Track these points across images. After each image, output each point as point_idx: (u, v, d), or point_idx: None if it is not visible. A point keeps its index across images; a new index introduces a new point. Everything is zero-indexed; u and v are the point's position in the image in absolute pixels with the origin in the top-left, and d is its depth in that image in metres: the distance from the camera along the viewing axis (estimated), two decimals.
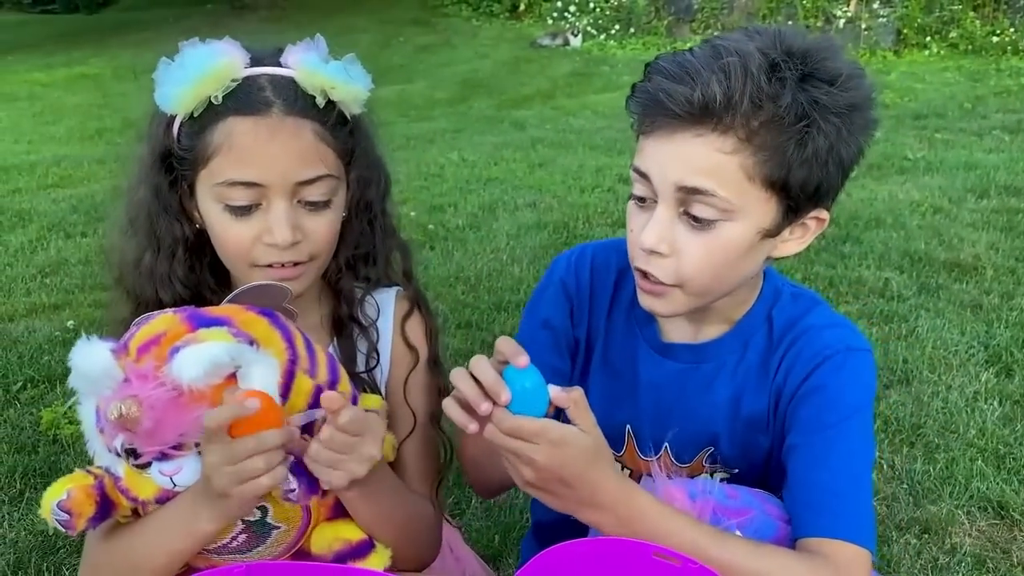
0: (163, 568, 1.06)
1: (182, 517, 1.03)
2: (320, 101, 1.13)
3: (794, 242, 1.10)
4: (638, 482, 1.25)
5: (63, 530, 1.02)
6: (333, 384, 1.07)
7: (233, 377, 0.96)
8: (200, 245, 1.20)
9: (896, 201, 4.52)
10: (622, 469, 1.27)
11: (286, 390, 1.01)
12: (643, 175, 1.08)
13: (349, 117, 1.17)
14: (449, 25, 12.20)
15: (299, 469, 0.96)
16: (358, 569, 0.94)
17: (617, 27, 11.05)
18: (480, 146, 6.22)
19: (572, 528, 1.05)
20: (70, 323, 3.40)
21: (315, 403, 1.03)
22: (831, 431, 1.09)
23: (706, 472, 1.18)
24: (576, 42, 10.59)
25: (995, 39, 9.00)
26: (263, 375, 0.96)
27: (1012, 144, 5.67)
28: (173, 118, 1.14)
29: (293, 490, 0.97)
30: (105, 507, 1.03)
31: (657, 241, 1.06)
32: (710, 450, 1.22)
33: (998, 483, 2.28)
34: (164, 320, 1.02)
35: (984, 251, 3.85)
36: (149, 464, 0.99)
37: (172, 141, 1.14)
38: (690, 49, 1.06)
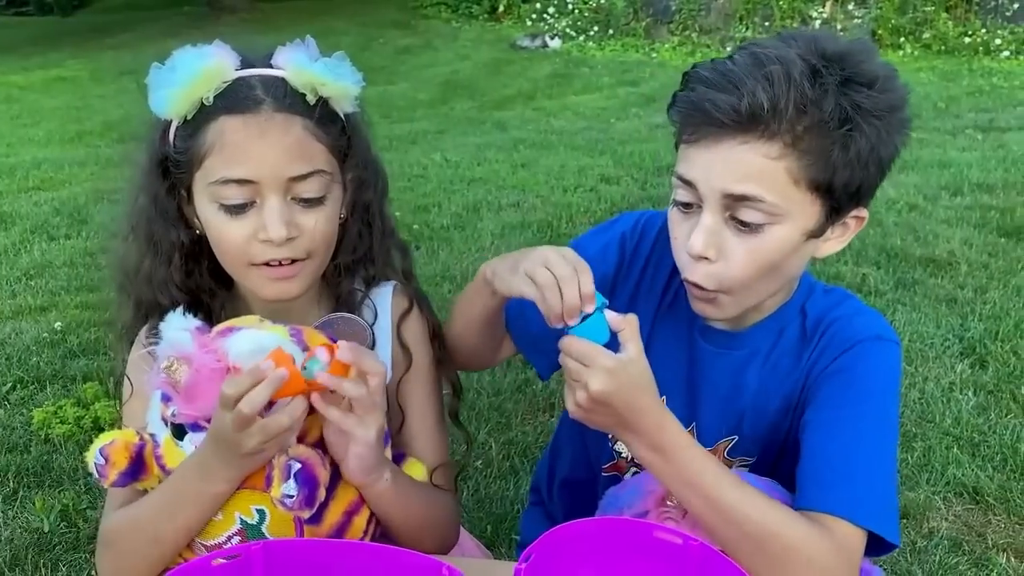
0: (183, 538, 1.08)
1: (195, 482, 1.05)
2: (311, 99, 1.14)
3: (835, 241, 1.14)
4: None
5: (96, 476, 1.08)
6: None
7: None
8: (198, 251, 1.21)
9: (873, 199, 4.60)
10: None
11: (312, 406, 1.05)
12: (688, 183, 1.09)
13: (342, 116, 1.19)
14: (429, 27, 12.22)
15: (304, 478, 0.99)
16: (377, 545, 0.98)
17: (596, 29, 11.11)
18: (463, 147, 6.25)
19: None
20: (57, 324, 3.41)
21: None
22: (848, 410, 1.11)
23: (721, 460, 1.21)
24: (555, 44, 10.65)
25: (967, 40, 9.16)
26: (291, 410, 1.01)
27: (984, 143, 5.79)
28: (169, 124, 1.16)
29: (292, 496, 0.98)
30: (136, 467, 1.08)
31: (704, 247, 1.08)
32: (734, 440, 1.25)
33: (973, 470, 2.36)
34: (250, 319, 1.10)
35: (958, 247, 3.94)
36: (185, 434, 1.04)
37: (168, 146, 1.16)
38: (730, 57, 1.07)
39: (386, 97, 8.01)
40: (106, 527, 1.16)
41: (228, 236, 1.14)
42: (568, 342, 1.01)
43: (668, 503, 1.05)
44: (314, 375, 0.99)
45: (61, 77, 10.53)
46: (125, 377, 1.23)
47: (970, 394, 2.72)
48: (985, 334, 3.10)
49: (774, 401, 1.22)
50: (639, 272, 1.29)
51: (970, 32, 9.28)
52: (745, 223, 1.06)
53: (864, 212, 1.13)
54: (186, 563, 0.97)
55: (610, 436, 1.33)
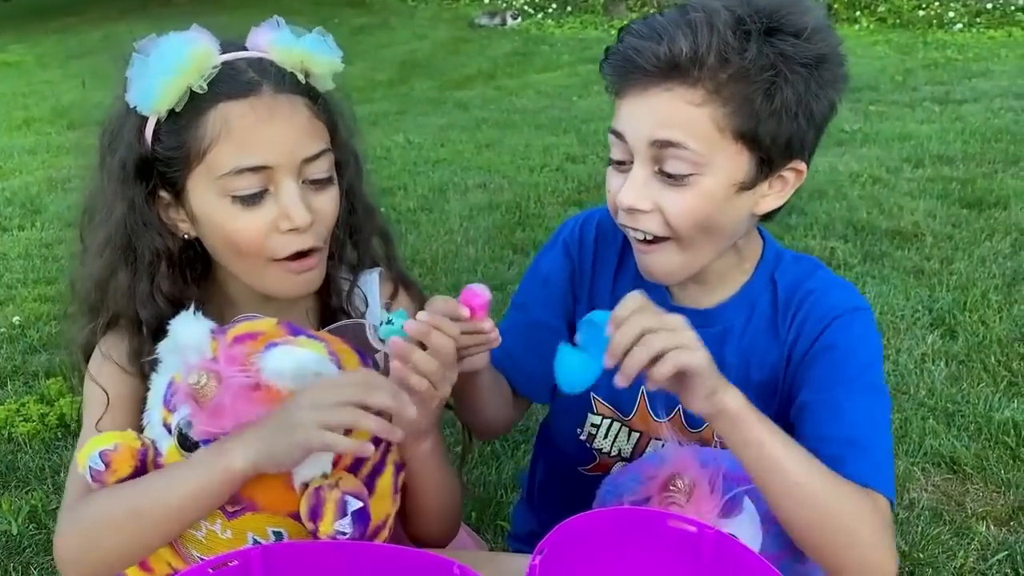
0: (169, 514, 0.97)
1: (206, 455, 0.96)
2: (301, 77, 1.10)
3: (774, 196, 1.13)
4: (646, 446, 1.27)
5: (90, 480, 0.99)
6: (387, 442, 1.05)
7: None
8: (184, 257, 1.14)
9: (836, 173, 4.65)
10: (629, 433, 1.29)
11: (347, 432, 0.97)
12: (619, 135, 1.10)
13: (324, 94, 1.14)
14: (385, 5, 12.06)
15: (361, 516, 0.93)
16: (384, 546, 0.94)
17: (554, 6, 11.06)
18: (425, 128, 6.18)
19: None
20: (15, 319, 3.30)
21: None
22: (845, 387, 1.11)
23: (716, 443, 1.20)
24: (514, 22, 10.57)
25: (921, 13, 9.27)
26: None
27: (942, 115, 5.86)
28: (145, 122, 1.08)
29: (346, 534, 0.91)
30: (137, 475, 1.00)
31: (635, 199, 1.09)
32: None
33: (949, 440, 2.39)
34: (266, 323, 1.03)
35: (923, 218, 3.99)
36: (196, 447, 0.97)
37: (148, 147, 1.08)
38: (660, 11, 1.10)
39: (344, 78, 7.78)
40: (70, 506, 1.04)
41: (244, 231, 1.07)
42: (629, 314, 0.97)
43: (671, 487, 1.03)
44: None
45: (5, 62, 10.21)
46: (90, 384, 1.14)
47: (942, 364, 2.76)
48: (953, 304, 3.14)
49: (755, 377, 1.21)
50: (590, 268, 1.30)
51: (924, 5, 9.39)
52: (671, 175, 1.07)
53: (802, 165, 1.12)
54: (179, 572, 0.92)
55: (586, 437, 1.31)
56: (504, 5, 11.13)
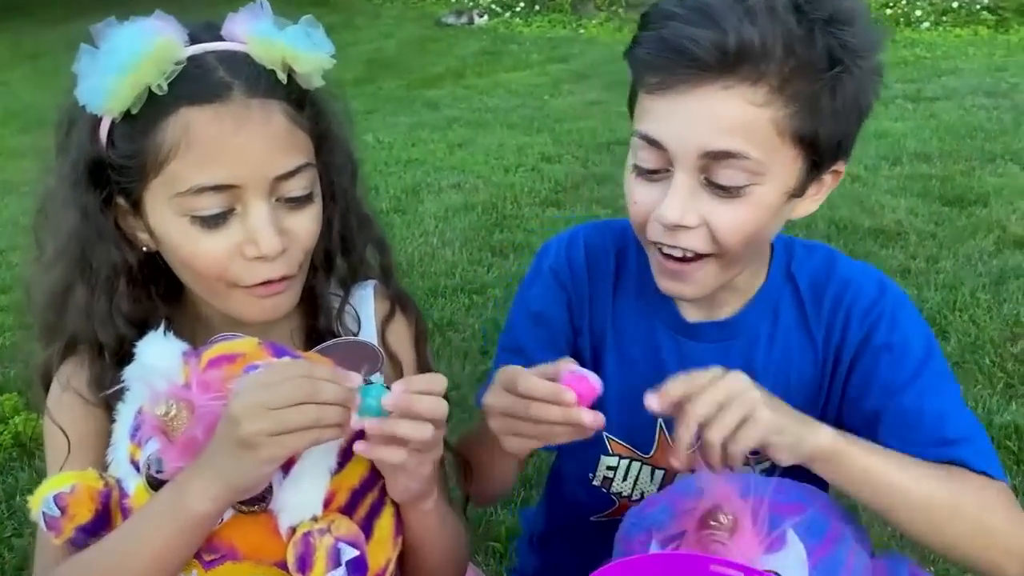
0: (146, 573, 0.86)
1: (166, 500, 0.85)
2: (282, 76, 0.95)
3: (811, 200, 1.03)
4: (671, 482, 1.15)
5: (44, 529, 0.87)
6: None
7: None
8: (147, 272, 1.01)
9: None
10: (653, 472, 1.17)
11: (345, 459, 0.88)
12: (653, 141, 0.95)
13: (311, 93, 1.00)
14: (350, 4, 11.84)
15: (356, 565, 0.82)
16: None
17: (522, 5, 10.95)
18: (394, 127, 6.04)
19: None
20: None
21: (366, 486, 0.91)
22: (915, 385, 1.03)
23: (750, 465, 1.09)
24: (482, 20, 10.44)
25: (888, 11, 9.29)
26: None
27: (916, 112, 5.84)
28: (99, 120, 0.94)
29: None
30: (100, 521, 0.88)
31: (681, 214, 0.95)
32: None
33: None
34: (247, 343, 0.91)
35: (905, 216, 3.94)
36: (164, 484, 0.84)
37: (102, 149, 0.94)
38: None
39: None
40: (46, 569, 0.94)
41: (204, 255, 0.94)
42: (696, 385, 0.88)
43: (712, 523, 0.92)
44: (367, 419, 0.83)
45: None
46: (50, 426, 1.01)
47: None
48: (942, 304, 3.08)
49: (796, 383, 1.11)
50: (587, 294, 1.17)
51: (891, 3, 9.42)
52: (723, 187, 0.94)
53: (843, 167, 1.02)
54: None
55: (600, 482, 1.20)
56: (471, 4, 11.00)
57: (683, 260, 1.00)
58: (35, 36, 10.45)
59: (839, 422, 1.10)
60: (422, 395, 0.84)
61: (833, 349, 1.09)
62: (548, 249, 1.20)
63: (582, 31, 9.87)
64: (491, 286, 3.36)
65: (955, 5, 9.19)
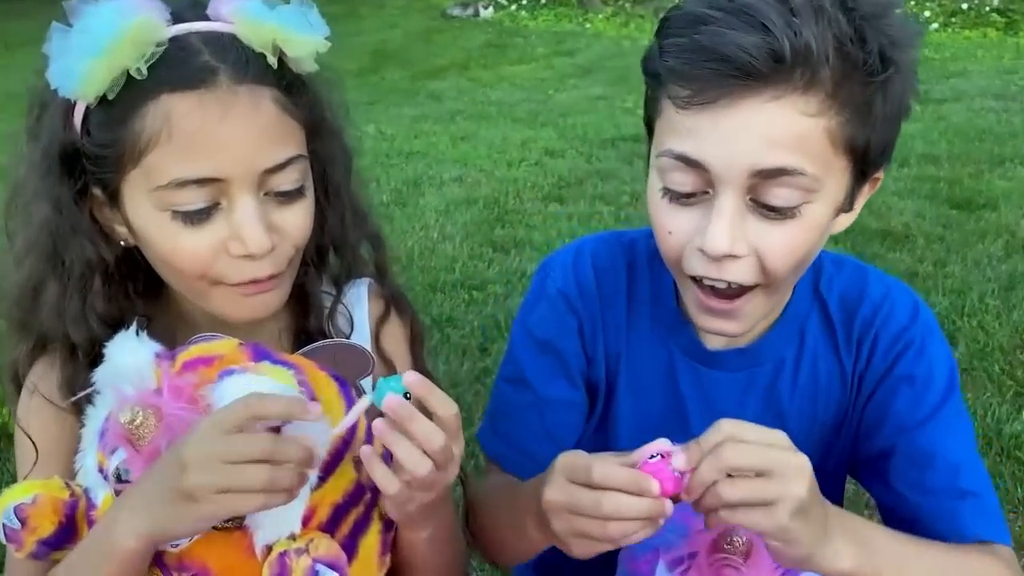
0: None
1: (98, 531, 0.80)
2: (272, 60, 0.89)
3: (851, 212, 0.94)
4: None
5: (4, 540, 0.81)
6: (376, 489, 0.86)
7: (276, 430, 0.76)
8: (124, 269, 0.95)
9: None
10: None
11: (327, 472, 0.82)
12: (692, 162, 0.84)
13: (305, 79, 0.94)
14: None
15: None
16: None
17: None
18: (397, 119, 5.99)
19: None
20: None
21: (350, 501, 0.84)
22: (932, 422, 0.97)
23: None
24: (488, 13, 10.38)
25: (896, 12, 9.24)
26: (311, 443, 0.77)
27: (923, 114, 5.77)
28: (73, 105, 0.87)
29: None
30: (65, 533, 0.83)
31: (731, 243, 0.84)
32: None
33: None
34: (226, 344, 0.84)
35: (912, 219, 3.88)
36: None
37: (77, 136, 0.88)
38: None
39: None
40: None
41: (186, 252, 0.87)
42: (733, 461, 0.74)
43: (727, 546, 0.86)
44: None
45: None
46: (19, 432, 0.95)
47: None
48: (951, 309, 3.02)
49: (823, 417, 1.04)
50: (599, 317, 1.06)
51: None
52: (775, 208, 0.84)
53: (882, 173, 0.93)
54: None
55: None
56: None
57: (728, 295, 0.90)
58: (22, 22, 10.37)
59: (852, 453, 1.05)
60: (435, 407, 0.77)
61: (858, 375, 1.03)
62: (550, 268, 1.09)
63: (588, 25, 9.81)
64: (492, 282, 3.31)
65: (964, 7, 9.12)
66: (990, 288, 3.18)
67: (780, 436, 0.77)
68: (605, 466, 0.75)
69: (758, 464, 0.74)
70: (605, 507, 0.74)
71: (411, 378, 0.76)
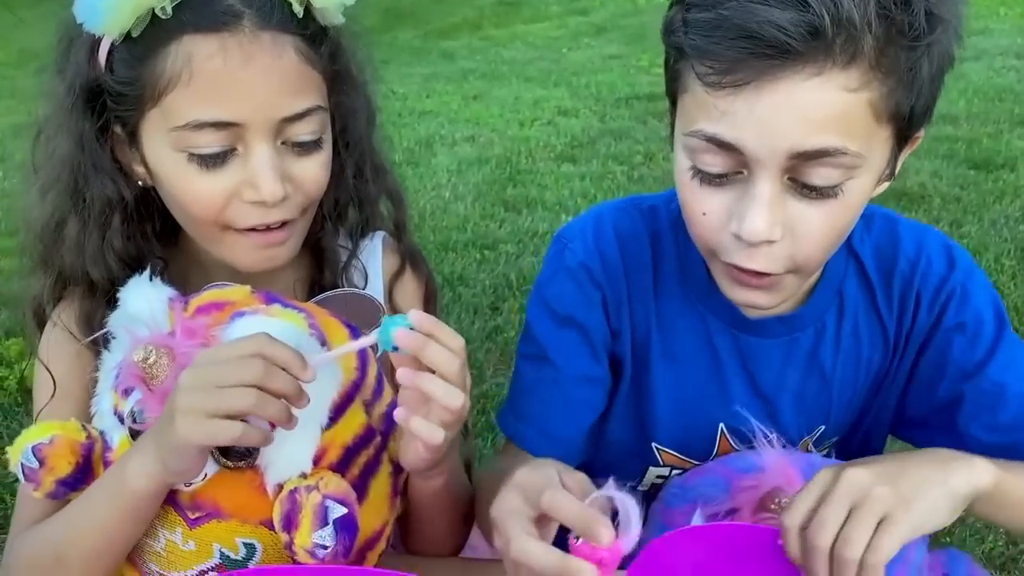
0: (94, 556, 0.82)
1: (111, 473, 0.82)
2: (298, 9, 0.89)
3: (887, 179, 0.91)
4: None
5: (23, 480, 0.83)
6: (386, 433, 0.87)
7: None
8: (143, 209, 0.96)
9: None
10: None
11: (337, 413, 0.82)
12: (726, 145, 0.80)
13: (330, 30, 0.94)
14: None
15: (344, 524, 0.75)
16: (359, 570, 0.78)
17: None
18: (409, 78, 5.94)
19: None
20: None
21: (360, 443, 0.84)
22: (993, 360, 0.96)
23: (816, 450, 1.04)
24: None
25: None
26: (320, 385, 0.77)
27: None
28: (99, 41, 0.88)
29: (327, 548, 0.74)
30: (81, 474, 0.83)
31: (770, 228, 0.81)
32: (820, 429, 1.06)
33: None
34: (238, 291, 0.85)
35: (928, 179, 3.84)
36: None
37: (100, 72, 0.89)
38: None
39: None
40: (10, 550, 0.90)
41: (200, 195, 0.89)
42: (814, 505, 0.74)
43: (772, 505, 0.84)
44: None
45: None
46: (39, 366, 0.97)
47: None
48: None
49: (863, 374, 1.03)
50: (624, 288, 1.02)
51: None
52: (816, 187, 0.80)
53: (921, 132, 0.89)
54: None
55: (646, 487, 1.10)
56: None
57: (759, 273, 0.87)
58: None
59: (901, 406, 1.04)
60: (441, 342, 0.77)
61: (904, 335, 1.01)
62: (568, 238, 1.04)
63: None
64: (503, 241, 3.31)
65: None
66: (1006, 249, 3.15)
67: (822, 476, 0.77)
68: (554, 495, 0.70)
69: (841, 518, 0.73)
70: (512, 553, 0.70)
71: (416, 316, 0.76)
